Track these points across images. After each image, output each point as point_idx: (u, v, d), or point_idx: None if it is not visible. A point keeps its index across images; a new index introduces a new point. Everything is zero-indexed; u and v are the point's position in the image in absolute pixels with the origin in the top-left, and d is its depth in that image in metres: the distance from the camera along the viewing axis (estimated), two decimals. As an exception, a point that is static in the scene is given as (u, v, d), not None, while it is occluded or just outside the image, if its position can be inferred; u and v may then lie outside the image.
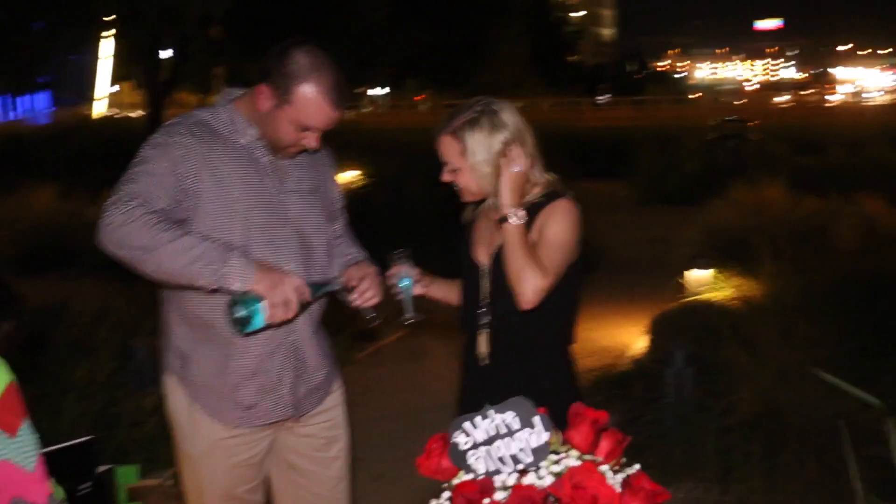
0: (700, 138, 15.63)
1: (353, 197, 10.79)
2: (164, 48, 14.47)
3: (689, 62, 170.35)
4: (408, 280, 2.85)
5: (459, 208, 3.03)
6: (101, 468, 2.73)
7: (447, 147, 2.75)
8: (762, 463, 4.45)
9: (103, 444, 4.86)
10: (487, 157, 2.70)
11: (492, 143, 2.69)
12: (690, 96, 64.03)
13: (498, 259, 2.75)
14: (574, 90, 53.94)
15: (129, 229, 2.44)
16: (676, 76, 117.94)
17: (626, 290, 8.23)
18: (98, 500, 2.67)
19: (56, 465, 2.53)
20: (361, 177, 11.39)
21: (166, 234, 2.44)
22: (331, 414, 3.03)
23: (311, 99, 2.62)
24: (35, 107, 52.91)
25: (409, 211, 10.45)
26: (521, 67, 50.33)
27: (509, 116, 2.73)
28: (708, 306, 6.03)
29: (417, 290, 2.92)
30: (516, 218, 2.64)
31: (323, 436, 3.00)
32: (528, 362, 2.75)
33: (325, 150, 3.00)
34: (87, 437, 2.69)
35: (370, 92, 49.85)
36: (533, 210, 2.73)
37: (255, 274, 2.46)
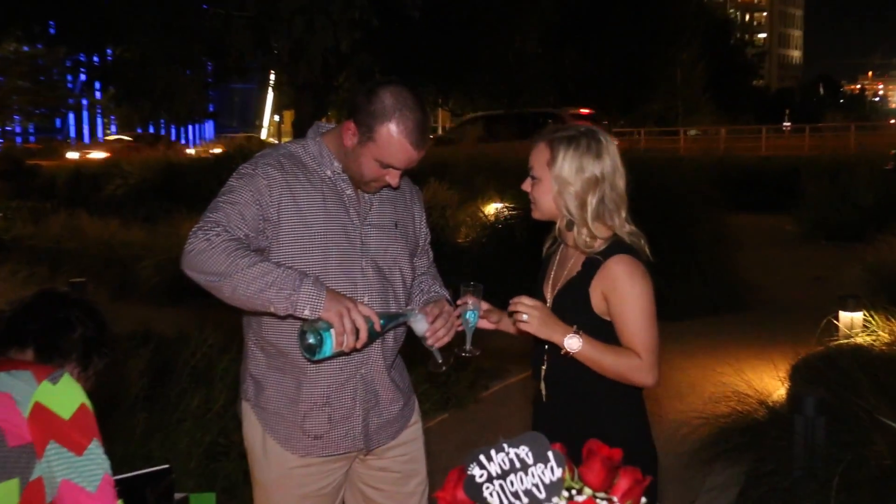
0: (878, 168, 15.01)
1: (493, 229, 11.00)
2: (302, 80, 15.05)
3: (884, 85, 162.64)
4: (473, 313, 2.89)
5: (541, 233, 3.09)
6: (178, 496, 2.95)
7: (538, 153, 2.79)
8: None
9: (214, 474, 5.13)
10: (572, 179, 2.71)
11: (582, 166, 2.71)
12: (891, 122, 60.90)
13: (559, 295, 2.82)
14: (754, 116, 52.58)
15: (208, 255, 2.62)
16: (875, 100, 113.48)
17: (771, 332, 8.03)
18: (174, 525, 2.89)
19: (136, 491, 2.77)
20: (504, 209, 11.50)
21: (243, 261, 2.60)
22: (408, 448, 3.12)
23: (393, 138, 2.76)
24: (203, 135, 55.99)
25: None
26: (697, 93, 49.36)
27: (609, 153, 2.73)
28: (854, 351, 5.86)
29: (487, 325, 2.98)
30: (573, 344, 2.68)
31: (399, 469, 3.10)
32: (586, 402, 2.79)
33: (410, 187, 3.16)
34: (164, 466, 2.91)
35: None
36: (592, 266, 2.75)
37: (325, 301, 2.57)
